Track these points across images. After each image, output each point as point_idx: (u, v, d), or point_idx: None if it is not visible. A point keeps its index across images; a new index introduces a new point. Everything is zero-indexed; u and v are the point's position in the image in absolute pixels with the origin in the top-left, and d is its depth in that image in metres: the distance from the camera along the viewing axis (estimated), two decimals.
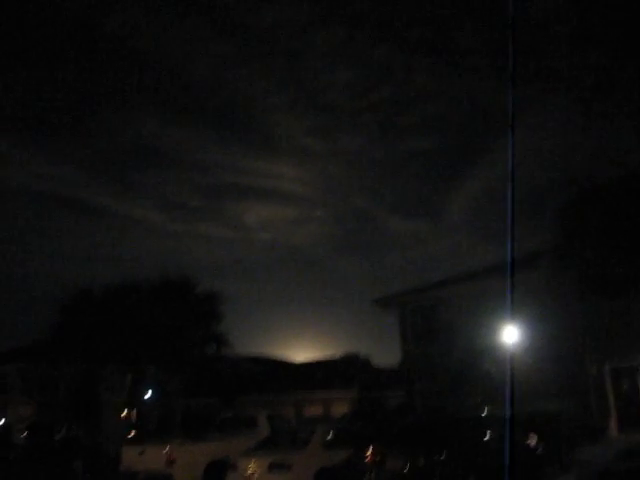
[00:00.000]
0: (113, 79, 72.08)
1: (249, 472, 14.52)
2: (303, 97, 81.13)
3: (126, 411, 31.32)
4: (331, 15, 72.34)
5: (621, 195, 19.31)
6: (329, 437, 16.03)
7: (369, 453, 13.26)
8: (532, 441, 15.30)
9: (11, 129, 74.74)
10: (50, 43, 69.98)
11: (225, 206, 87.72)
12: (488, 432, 14.28)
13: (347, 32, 70.34)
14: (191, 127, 78.49)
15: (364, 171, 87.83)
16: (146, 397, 35.24)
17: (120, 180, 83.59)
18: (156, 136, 77.85)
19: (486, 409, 18.92)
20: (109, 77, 72.91)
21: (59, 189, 75.63)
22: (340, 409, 41.94)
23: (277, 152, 79.96)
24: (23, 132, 74.27)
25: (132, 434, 28.16)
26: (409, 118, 78.65)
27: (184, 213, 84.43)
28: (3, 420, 39.25)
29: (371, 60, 74.92)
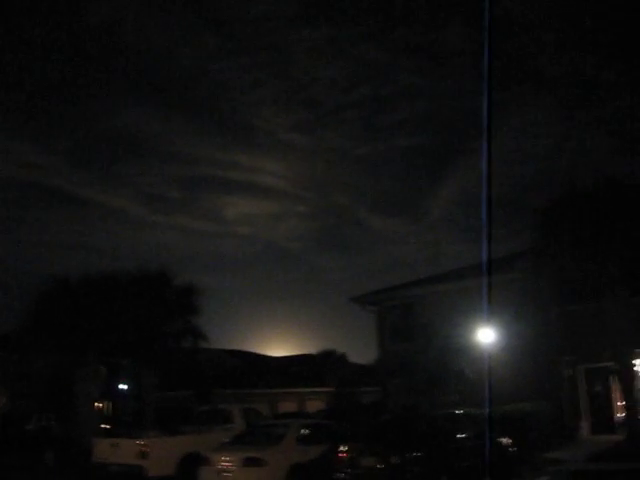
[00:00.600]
0: (96, 70, 71.59)
1: (223, 467, 14.50)
2: (287, 92, 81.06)
3: (100, 403, 31.19)
4: (317, 12, 72.32)
5: (598, 199, 19.48)
6: (304, 432, 16.07)
7: (344, 449, 13.31)
8: (505, 441, 15.42)
9: None
10: (35, 34, 69.38)
11: (205, 199, 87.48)
12: (462, 430, 14.36)
13: (332, 29, 70.40)
14: (173, 119, 78.17)
15: (346, 168, 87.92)
16: (121, 389, 35.11)
17: (100, 170, 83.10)
18: (138, 127, 77.46)
19: (460, 407, 19.04)
20: (93, 68, 72.38)
21: (38, 178, 75.06)
22: (315, 405, 42.06)
23: (259, 146, 79.83)
24: (6, 121, 73.61)
25: (106, 426, 28.06)
26: (392, 116, 78.95)
27: (163, 205, 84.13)
28: None
29: (355, 58, 74.99)
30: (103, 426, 27.48)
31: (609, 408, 23.08)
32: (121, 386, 34.92)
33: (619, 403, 22.42)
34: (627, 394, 20.46)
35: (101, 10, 62.41)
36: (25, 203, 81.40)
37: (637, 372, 22.07)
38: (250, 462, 14.25)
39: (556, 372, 23.54)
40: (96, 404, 31.41)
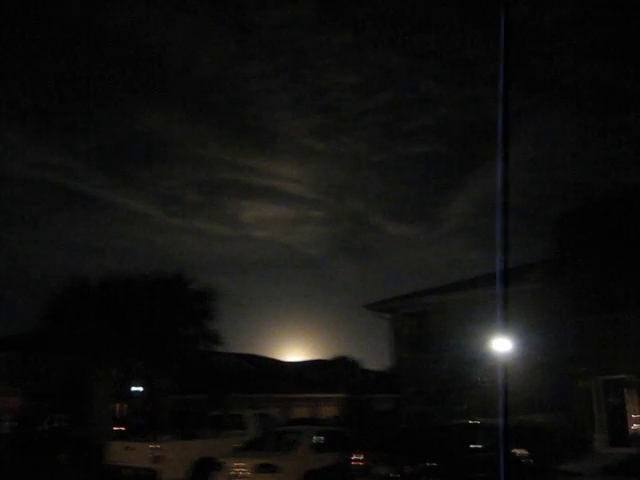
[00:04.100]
0: (116, 73, 72.01)
1: (236, 472, 14.52)
2: (306, 97, 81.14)
3: (114, 405, 31.29)
4: (337, 18, 72.39)
5: (615, 209, 19.36)
6: (318, 439, 16.05)
7: (357, 457, 13.29)
8: (520, 452, 15.34)
9: (14, 119, 74.64)
10: (54, 36, 69.89)
11: (223, 203, 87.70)
12: (476, 440, 14.31)
13: (352, 35, 70.41)
14: (192, 123, 78.42)
15: (363, 174, 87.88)
16: (134, 391, 35.21)
17: (119, 173, 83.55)
18: (157, 130, 77.82)
19: (475, 417, 18.97)
20: (112, 70, 72.84)
21: (58, 179, 75.51)
22: (329, 411, 41.96)
23: (277, 151, 79.96)
24: (26, 122, 74.13)
25: (119, 428, 28.15)
26: (411, 123, 78.76)
27: (181, 208, 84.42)
28: None
29: (375, 64, 75.04)
30: (116, 428, 27.57)
31: (624, 421, 22.89)
32: (135, 388, 35.05)
33: (634, 415, 22.24)
34: None
35: (122, 14, 62.83)
36: (44, 205, 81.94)
37: None
38: (264, 468, 14.25)
39: (571, 383, 23.38)
40: (110, 406, 31.52)
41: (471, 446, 13.99)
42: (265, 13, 68.15)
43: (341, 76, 73.97)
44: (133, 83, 75.87)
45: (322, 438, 16.23)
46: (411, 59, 76.73)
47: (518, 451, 15.30)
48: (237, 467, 14.60)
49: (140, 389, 34.38)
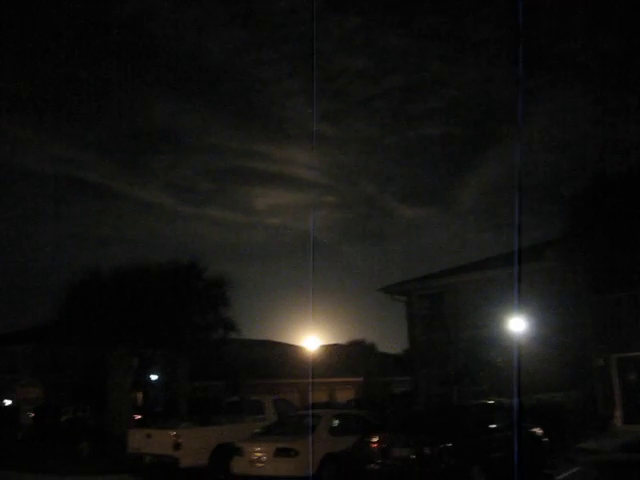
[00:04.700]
0: (126, 63, 72.03)
1: (255, 457, 14.61)
2: (316, 83, 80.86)
3: (133, 393, 31.53)
4: (345, 2, 72.02)
5: (631, 186, 19.23)
6: (336, 423, 16.12)
7: (376, 440, 13.33)
8: (538, 431, 15.35)
9: (25, 112, 74.88)
10: (67, 29, 69.95)
11: (235, 190, 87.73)
12: (493, 420, 14.32)
13: (361, 19, 70.04)
14: (203, 111, 78.44)
15: (375, 157, 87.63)
16: (153, 379, 35.49)
17: (132, 163, 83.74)
18: (168, 120, 77.84)
19: (491, 398, 18.98)
20: (122, 61, 72.82)
21: (71, 172, 75.86)
22: (346, 394, 42.14)
23: (289, 137, 79.84)
24: (40, 116, 74.44)
25: (139, 417, 28.38)
26: (421, 105, 78.43)
27: (194, 196, 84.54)
28: (11, 401, 39.62)
29: (384, 47, 74.59)
30: (136, 417, 27.79)
31: None
32: (153, 377, 35.32)
33: None
34: None
35: (131, 4, 62.77)
36: (57, 196, 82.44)
37: None
38: (283, 452, 14.33)
39: (588, 361, 23.34)
40: (130, 395, 31.80)
41: (489, 426, 14.00)
42: (273, 0, 67.92)
43: (351, 60, 73.63)
44: (144, 73, 75.92)
45: (340, 421, 16.30)
46: (420, 41, 76.21)
47: (536, 430, 15.32)
48: (256, 452, 14.70)
49: (157, 377, 34.65)
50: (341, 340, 50.16)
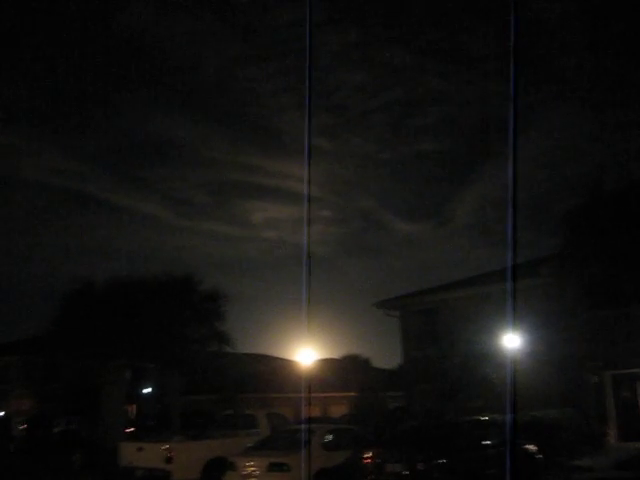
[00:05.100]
0: (124, 76, 72.20)
1: (248, 471, 14.54)
2: (313, 97, 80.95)
3: (125, 406, 31.37)
4: (343, 17, 72.37)
5: (626, 202, 19.26)
6: (329, 438, 16.05)
7: (369, 455, 13.28)
8: (532, 447, 15.30)
9: (23, 123, 74.98)
10: (62, 39, 70.14)
11: (231, 203, 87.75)
12: (487, 437, 14.27)
13: (359, 34, 70.36)
14: (200, 124, 78.57)
15: (372, 172, 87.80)
16: (145, 392, 35.29)
17: (128, 175, 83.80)
18: (165, 133, 77.99)
19: (485, 414, 18.91)
20: (120, 73, 73.00)
21: (67, 183, 75.83)
22: (339, 409, 41.96)
23: (285, 151, 79.98)
24: (35, 126, 74.42)
25: (131, 430, 28.22)
26: (418, 120, 78.57)
27: (190, 209, 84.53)
28: (3, 412, 39.34)
29: (382, 62, 74.95)
30: (128, 430, 27.65)
31: (637, 415, 22.80)
32: (146, 390, 35.13)
33: None
34: None
35: (129, 16, 63.01)
36: (53, 208, 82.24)
37: None
38: (276, 467, 14.27)
39: (583, 378, 23.30)
40: (123, 407, 31.63)
41: (482, 442, 13.96)
42: (270, 13, 68.24)
43: (348, 75, 73.93)
44: (141, 85, 76.13)
45: (333, 436, 16.24)
46: (418, 56, 76.63)
47: (530, 446, 15.27)
48: (249, 466, 14.63)
49: (150, 390, 34.48)
50: (336, 355, 49.99)
